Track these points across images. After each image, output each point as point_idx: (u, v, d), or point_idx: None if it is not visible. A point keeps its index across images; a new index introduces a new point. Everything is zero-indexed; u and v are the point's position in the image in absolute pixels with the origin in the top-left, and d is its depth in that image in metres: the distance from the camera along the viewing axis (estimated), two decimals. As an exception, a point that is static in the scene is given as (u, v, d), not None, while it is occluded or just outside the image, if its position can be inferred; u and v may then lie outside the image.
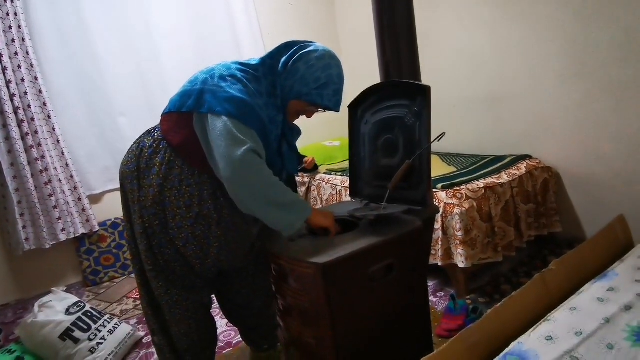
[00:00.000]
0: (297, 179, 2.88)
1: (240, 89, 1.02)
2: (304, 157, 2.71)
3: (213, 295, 1.37)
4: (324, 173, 2.75)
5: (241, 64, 1.11)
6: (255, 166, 0.98)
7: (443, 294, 1.90)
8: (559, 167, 2.18)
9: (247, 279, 1.33)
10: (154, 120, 1.14)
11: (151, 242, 1.12)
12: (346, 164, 2.94)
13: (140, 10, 2.66)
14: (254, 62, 1.13)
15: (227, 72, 1.05)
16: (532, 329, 0.85)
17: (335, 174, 2.64)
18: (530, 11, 2.12)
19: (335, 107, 1.16)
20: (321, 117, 4.21)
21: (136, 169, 1.11)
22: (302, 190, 2.86)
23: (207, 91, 1.02)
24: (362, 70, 3.41)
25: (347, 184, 2.39)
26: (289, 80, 1.10)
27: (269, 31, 3.20)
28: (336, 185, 2.50)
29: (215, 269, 1.20)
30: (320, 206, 2.66)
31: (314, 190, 2.75)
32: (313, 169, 2.82)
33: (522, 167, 2.08)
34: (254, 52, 3.11)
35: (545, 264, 2.00)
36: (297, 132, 1.28)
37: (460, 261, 1.71)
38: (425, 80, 1.72)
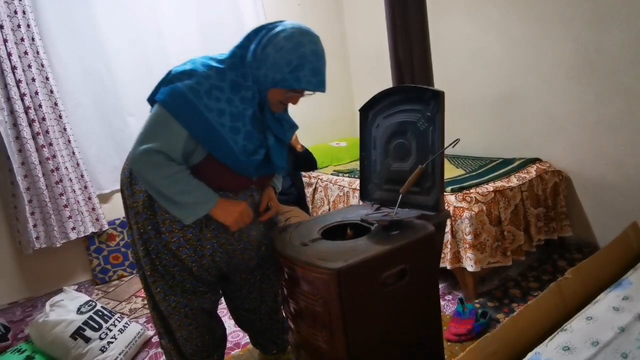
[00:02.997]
0: (304, 179, 2.88)
1: (188, 83, 0.97)
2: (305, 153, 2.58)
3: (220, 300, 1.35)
4: (331, 174, 2.74)
5: (210, 58, 1.06)
6: (150, 166, 0.98)
7: (451, 297, 1.89)
8: (569, 170, 2.17)
9: (254, 284, 1.32)
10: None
11: (148, 247, 1.12)
12: (353, 165, 2.93)
13: (150, 10, 2.66)
14: (222, 56, 1.07)
15: (190, 67, 1.01)
16: (549, 338, 0.85)
17: (343, 175, 2.64)
18: (540, 13, 2.10)
19: (317, 88, 1.05)
20: (328, 118, 4.25)
21: (129, 175, 1.12)
22: (309, 190, 2.86)
23: (166, 82, 1.02)
24: (371, 71, 3.41)
25: (354, 185, 2.39)
26: (261, 68, 1.01)
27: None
28: (343, 187, 2.50)
29: (214, 271, 1.19)
30: (328, 207, 2.66)
31: (320, 191, 2.75)
32: (309, 162, 2.67)
33: (532, 171, 2.07)
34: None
35: (555, 268, 2.01)
36: (289, 125, 1.19)
37: (469, 265, 1.71)
38: (435, 81, 1.72)
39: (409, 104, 1.26)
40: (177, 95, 0.97)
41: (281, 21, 1.04)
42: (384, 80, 1.94)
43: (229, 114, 1.01)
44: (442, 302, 1.84)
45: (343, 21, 3.61)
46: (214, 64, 1.03)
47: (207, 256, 1.14)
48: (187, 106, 0.96)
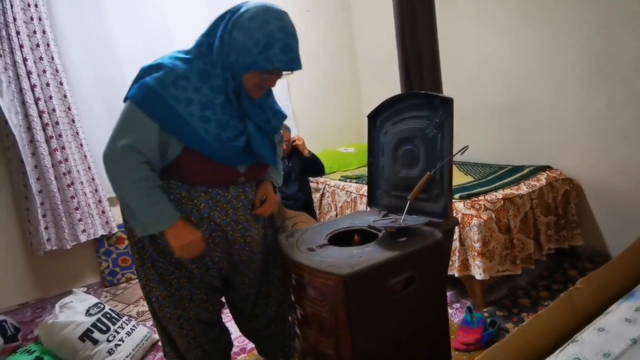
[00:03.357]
0: (312, 184, 2.88)
1: (155, 76, 0.96)
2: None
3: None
4: (339, 180, 2.75)
5: (178, 51, 1.05)
6: (122, 164, 0.97)
7: (459, 305, 1.87)
8: (580, 178, 2.14)
9: (259, 288, 1.29)
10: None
11: (142, 256, 1.11)
12: (361, 171, 2.93)
13: (161, 17, 2.71)
14: (190, 48, 1.05)
15: (157, 62, 1.01)
16: (559, 350, 0.83)
17: (350, 181, 2.64)
18: (550, 19, 2.09)
19: (290, 66, 0.99)
20: (335, 124, 4.25)
21: None
22: (316, 196, 2.87)
23: (135, 80, 1.02)
24: (379, 78, 3.42)
25: (362, 191, 2.38)
26: (231, 54, 0.98)
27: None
28: (351, 193, 2.50)
29: (215, 272, 1.17)
30: (335, 213, 2.66)
31: (328, 196, 2.75)
32: (316, 167, 2.65)
33: (542, 178, 2.05)
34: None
35: (565, 277, 1.97)
36: (273, 111, 1.15)
37: (478, 273, 1.69)
38: (443, 86, 1.72)
39: (418, 110, 1.26)
40: (144, 88, 0.96)
41: (245, 2, 1.00)
42: (393, 86, 1.95)
43: (198, 102, 0.99)
44: (450, 311, 1.82)
45: (352, 28, 3.63)
46: (181, 55, 1.03)
47: (206, 256, 1.12)
48: (154, 98, 0.95)
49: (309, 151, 2.58)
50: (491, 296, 1.87)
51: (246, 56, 0.97)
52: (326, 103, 3.52)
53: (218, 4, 2.89)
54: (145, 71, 1.00)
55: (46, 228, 2.31)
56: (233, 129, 1.04)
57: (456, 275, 1.77)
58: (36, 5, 2.26)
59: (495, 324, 1.61)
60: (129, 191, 0.99)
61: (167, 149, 1.01)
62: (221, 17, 1.01)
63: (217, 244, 1.13)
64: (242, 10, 0.97)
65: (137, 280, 2.61)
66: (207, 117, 1.00)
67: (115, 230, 2.61)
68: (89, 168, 2.48)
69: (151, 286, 1.14)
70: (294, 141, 2.52)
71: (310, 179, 2.87)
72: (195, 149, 1.00)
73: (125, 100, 1.03)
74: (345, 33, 3.60)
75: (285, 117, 1.20)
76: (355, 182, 2.57)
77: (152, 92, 0.96)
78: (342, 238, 1.24)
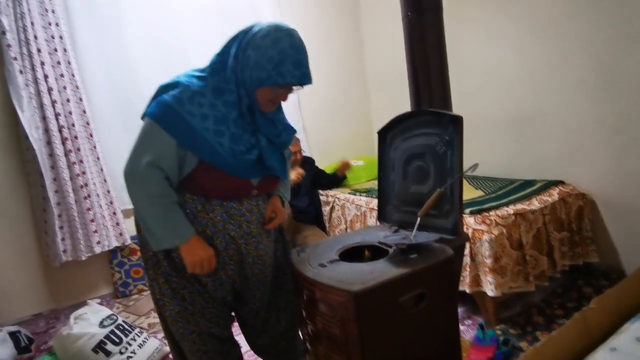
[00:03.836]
0: (322, 197, 2.90)
1: (172, 93, 1.02)
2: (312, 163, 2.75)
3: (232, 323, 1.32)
4: (349, 193, 2.76)
5: (193, 70, 1.10)
6: (141, 179, 1.01)
7: (471, 322, 1.85)
8: (594, 193, 2.11)
9: (269, 303, 1.29)
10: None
11: (157, 270, 1.14)
12: (371, 184, 2.94)
13: (178, 36, 2.81)
14: (203, 66, 1.10)
15: (173, 80, 1.06)
16: (573, 371, 0.82)
17: (360, 194, 2.65)
18: (560, 34, 2.10)
19: (301, 81, 1.04)
20: (345, 137, 4.30)
21: None
22: (326, 209, 2.88)
23: (152, 98, 1.08)
24: (389, 92, 3.45)
25: (372, 205, 2.39)
26: (245, 71, 1.03)
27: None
28: (361, 206, 2.51)
29: (228, 286, 1.18)
30: (345, 226, 2.66)
31: (338, 210, 2.76)
32: (339, 178, 2.85)
33: (555, 193, 2.03)
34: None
35: (580, 295, 1.93)
36: (283, 125, 1.18)
37: (490, 289, 1.67)
38: (453, 100, 1.74)
39: (427, 127, 1.28)
40: (162, 105, 1.01)
41: (257, 23, 1.06)
42: (402, 101, 1.97)
43: (213, 117, 1.03)
44: (461, 327, 1.80)
45: (361, 44, 3.69)
46: (196, 73, 1.08)
47: (220, 270, 1.14)
48: (171, 114, 1.00)
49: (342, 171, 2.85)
50: (504, 313, 1.85)
51: (260, 72, 1.01)
52: (336, 117, 3.56)
53: (231, 28, 3.03)
54: (163, 89, 1.05)
55: (63, 239, 2.37)
56: (246, 142, 1.08)
57: (467, 291, 1.75)
58: (57, 24, 2.36)
59: (509, 342, 1.58)
60: (147, 206, 1.03)
61: (183, 164, 1.05)
62: (234, 38, 1.07)
63: (230, 257, 1.14)
64: (255, 29, 1.03)
65: (149, 292, 2.66)
66: (222, 132, 1.04)
67: (129, 242, 2.65)
68: (105, 181, 2.55)
69: (165, 300, 1.15)
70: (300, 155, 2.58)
71: (320, 191, 2.89)
72: (210, 162, 1.04)
73: (143, 117, 1.08)
74: (354, 49, 3.66)
75: (294, 131, 1.25)
76: (365, 196, 2.58)
77: (170, 108, 1.01)
78: (353, 253, 1.25)
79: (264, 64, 1.01)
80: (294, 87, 1.08)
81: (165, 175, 1.03)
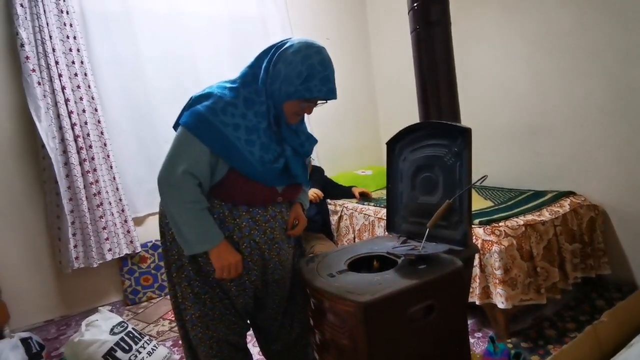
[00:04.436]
0: (330, 207, 2.91)
1: (206, 104, 1.06)
2: (333, 182, 2.78)
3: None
4: (357, 202, 2.76)
5: (224, 81, 1.15)
6: (176, 186, 1.05)
7: (481, 334, 1.82)
8: (605, 205, 2.09)
9: (285, 310, 1.32)
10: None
11: (181, 274, 1.17)
12: (379, 194, 2.94)
13: (189, 51, 2.88)
14: (234, 78, 1.15)
15: (206, 91, 1.10)
16: (585, 385, 0.81)
17: (368, 204, 2.65)
18: (569, 47, 2.10)
19: (328, 96, 1.10)
20: (353, 147, 4.33)
21: None
22: (334, 218, 2.88)
23: (186, 107, 1.12)
24: (397, 102, 3.47)
25: (380, 215, 2.39)
26: (274, 84, 1.08)
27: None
28: (369, 216, 2.51)
29: (251, 292, 1.21)
30: (353, 236, 2.66)
31: (346, 219, 2.77)
32: (350, 194, 2.88)
33: (566, 204, 2.01)
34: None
35: (593, 308, 1.90)
36: (306, 136, 1.24)
37: (500, 301, 1.65)
38: (462, 111, 1.75)
39: (436, 138, 1.28)
40: (197, 115, 1.06)
41: (289, 38, 1.11)
42: (410, 111, 1.99)
43: (244, 127, 1.08)
44: (471, 340, 1.78)
45: (370, 55, 3.73)
46: (228, 84, 1.13)
47: (244, 275, 1.17)
48: (205, 124, 1.05)
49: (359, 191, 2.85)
50: (515, 326, 1.82)
51: (289, 86, 1.07)
52: (344, 127, 3.58)
53: (241, 37, 3.10)
54: (196, 100, 1.10)
55: (75, 246, 2.41)
56: (273, 151, 1.13)
57: (477, 302, 1.73)
58: (74, 37, 2.44)
59: (520, 356, 1.56)
60: (181, 212, 1.07)
61: (215, 171, 1.10)
62: (266, 51, 1.12)
63: (255, 262, 1.18)
64: (287, 45, 1.08)
65: (157, 299, 2.68)
66: (253, 141, 1.09)
67: (139, 249, 2.69)
68: (117, 189, 2.59)
69: (186, 304, 1.19)
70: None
71: (328, 200, 2.90)
72: (241, 170, 1.09)
73: (175, 126, 1.14)
74: (363, 60, 3.70)
75: (316, 141, 1.29)
76: (373, 205, 2.58)
77: (204, 118, 1.05)
78: (361, 264, 1.25)
79: (293, 79, 1.06)
80: (319, 102, 1.14)
81: (198, 182, 1.08)
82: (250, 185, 1.11)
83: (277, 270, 1.23)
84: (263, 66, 1.10)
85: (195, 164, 1.06)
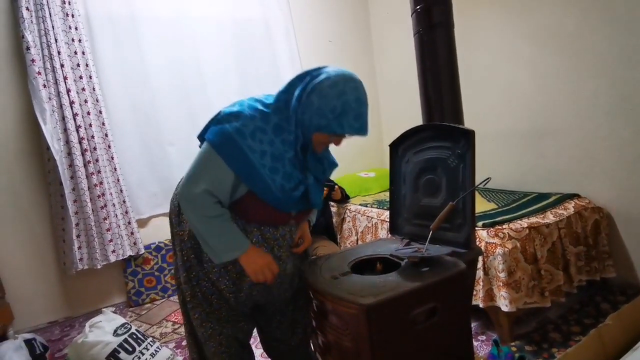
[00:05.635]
0: (332, 209, 2.91)
1: (235, 125, 1.04)
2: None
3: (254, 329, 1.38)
4: (360, 204, 2.76)
5: (256, 100, 1.11)
6: (196, 205, 1.06)
7: (485, 338, 1.81)
8: (610, 207, 2.08)
9: (286, 314, 1.34)
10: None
11: (190, 274, 1.19)
12: (382, 196, 2.94)
13: (193, 53, 2.89)
14: (268, 100, 1.12)
15: (237, 109, 1.07)
16: (590, 389, 0.80)
17: (371, 206, 2.65)
18: (573, 48, 2.10)
19: (359, 133, 1.07)
20: (356, 149, 4.34)
21: (178, 204, 1.19)
22: (336, 220, 2.88)
23: (215, 122, 1.08)
24: (400, 104, 3.47)
25: (383, 217, 2.38)
26: (305, 114, 1.05)
27: (309, 67, 3.35)
28: (372, 218, 2.50)
29: (250, 303, 1.24)
30: (356, 238, 2.66)
31: (348, 221, 2.76)
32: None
33: (570, 207, 2.00)
34: (294, 86, 3.26)
35: (598, 311, 1.89)
36: (329, 162, 1.24)
37: (504, 304, 1.64)
38: (465, 113, 1.74)
39: (439, 141, 1.28)
40: (225, 136, 1.04)
41: (325, 67, 1.08)
42: (413, 113, 1.99)
43: (270, 155, 1.07)
44: (475, 343, 1.77)
45: (372, 57, 3.73)
46: (260, 106, 1.09)
47: (245, 289, 1.19)
48: (232, 147, 1.04)
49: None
50: (519, 329, 1.81)
51: (320, 119, 1.03)
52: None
53: (245, 39, 3.12)
54: (225, 117, 1.06)
55: (79, 248, 2.42)
56: (295, 179, 1.11)
57: (481, 305, 1.72)
58: (80, 40, 2.46)
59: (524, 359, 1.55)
60: (204, 225, 1.08)
61: (235, 191, 1.10)
62: (300, 78, 1.08)
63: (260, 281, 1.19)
64: (323, 76, 1.04)
65: (160, 301, 2.69)
66: (276, 169, 1.08)
67: (142, 251, 2.70)
68: (121, 191, 2.61)
69: (195, 302, 1.20)
70: None
71: (331, 203, 2.90)
72: (259, 195, 1.08)
73: (199, 137, 1.13)
74: (366, 62, 3.71)
75: (336, 166, 1.28)
76: (376, 207, 2.58)
77: (232, 140, 1.03)
78: (364, 266, 1.25)
79: (326, 113, 1.02)
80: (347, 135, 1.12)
81: (218, 200, 1.08)
82: (267, 208, 1.11)
83: (282, 285, 1.25)
84: (296, 94, 1.06)
85: (217, 185, 1.06)
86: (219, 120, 1.08)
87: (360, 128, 1.06)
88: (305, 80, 1.06)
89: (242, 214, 1.12)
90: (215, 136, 1.05)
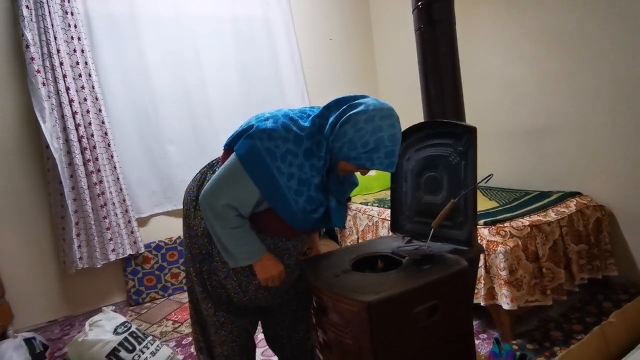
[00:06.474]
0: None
1: (267, 145, 1.03)
2: None
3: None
4: (360, 203, 2.75)
5: (291, 119, 1.09)
6: (218, 216, 1.06)
7: (486, 336, 1.81)
8: (612, 205, 2.07)
9: (288, 313, 1.35)
10: (201, 148, 1.17)
11: (201, 267, 1.21)
12: (382, 195, 2.93)
13: (194, 51, 2.88)
14: (304, 123, 1.09)
15: (271, 126, 1.05)
16: (593, 387, 0.80)
17: (372, 205, 2.64)
18: (575, 47, 2.09)
19: (387, 169, 1.06)
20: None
21: (195, 198, 1.20)
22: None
23: (247, 136, 1.05)
24: (401, 103, 3.45)
25: (383, 215, 2.38)
26: (337, 142, 1.04)
27: (310, 64, 3.35)
28: (372, 217, 2.50)
29: (253, 305, 1.26)
30: (356, 237, 2.65)
31: (349, 220, 2.76)
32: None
33: (572, 205, 1.99)
34: (294, 84, 3.25)
35: (600, 310, 1.88)
36: (349, 183, 1.24)
37: (505, 302, 1.64)
38: (467, 111, 1.73)
39: (441, 138, 1.27)
40: (255, 154, 1.03)
41: (364, 97, 1.07)
42: (415, 111, 1.98)
43: (297, 178, 1.06)
44: (476, 341, 1.76)
45: (373, 54, 3.72)
46: (295, 129, 1.07)
47: (251, 292, 1.21)
48: (262, 166, 1.03)
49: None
50: (520, 328, 1.80)
51: (351, 150, 1.03)
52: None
53: (245, 38, 3.11)
54: (257, 134, 1.04)
55: (79, 247, 2.41)
56: (316, 202, 1.12)
57: (482, 304, 1.71)
58: (79, 39, 2.45)
59: (525, 358, 1.54)
60: (223, 234, 1.09)
61: (257, 207, 1.11)
62: (337, 104, 1.07)
63: (265, 286, 1.21)
64: (360, 109, 1.02)
65: (161, 300, 2.68)
66: (301, 192, 1.08)
67: (143, 250, 2.69)
68: (121, 190, 2.60)
69: (206, 293, 1.23)
70: None
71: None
72: (280, 214, 1.09)
73: (228, 147, 1.13)
74: (367, 60, 3.69)
75: (357, 185, 1.28)
76: (377, 206, 2.57)
77: (261, 160, 1.02)
78: (365, 264, 1.25)
79: (358, 146, 1.01)
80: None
81: (239, 214, 1.08)
82: (285, 225, 1.12)
83: (285, 286, 1.27)
84: (330, 120, 1.05)
85: (241, 202, 1.06)
86: (250, 135, 1.05)
87: (390, 165, 1.05)
88: (342, 109, 1.05)
89: (258, 225, 1.14)
90: (245, 152, 1.03)
